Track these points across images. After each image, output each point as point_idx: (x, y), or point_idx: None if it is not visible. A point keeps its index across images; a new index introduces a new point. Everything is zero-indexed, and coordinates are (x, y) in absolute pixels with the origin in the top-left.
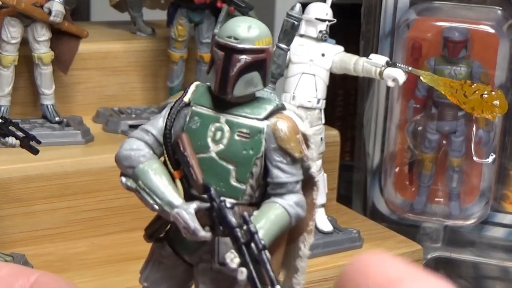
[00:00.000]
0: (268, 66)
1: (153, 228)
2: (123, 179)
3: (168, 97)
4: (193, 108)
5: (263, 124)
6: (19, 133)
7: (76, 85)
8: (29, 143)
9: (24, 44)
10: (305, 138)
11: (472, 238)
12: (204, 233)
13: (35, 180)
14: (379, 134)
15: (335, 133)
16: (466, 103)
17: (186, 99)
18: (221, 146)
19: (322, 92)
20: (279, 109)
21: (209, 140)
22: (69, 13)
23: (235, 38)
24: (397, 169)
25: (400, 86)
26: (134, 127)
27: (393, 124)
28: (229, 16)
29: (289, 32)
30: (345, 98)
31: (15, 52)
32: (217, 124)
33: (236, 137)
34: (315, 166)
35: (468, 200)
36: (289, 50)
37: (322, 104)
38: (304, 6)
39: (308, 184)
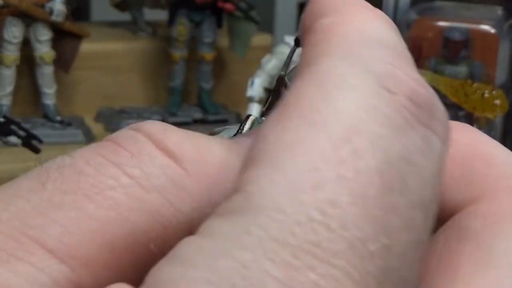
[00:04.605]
0: None
1: None
2: None
3: (169, 96)
4: None
5: None
6: (21, 132)
7: (77, 85)
8: (30, 142)
9: (26, 44)
10: None
11: None
12: None
13: None
14: None
15: None
16: (467, 103)
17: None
18: None
19: None
20: None
21: None
22: (69, 12)
23: None
24: None
25: None
26: None
27: None
28: (229, 15)
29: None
30: None
31: (16, 51)
32: None
33: None
34: None
35: None
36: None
37: None
38: (304, 5)
39: None
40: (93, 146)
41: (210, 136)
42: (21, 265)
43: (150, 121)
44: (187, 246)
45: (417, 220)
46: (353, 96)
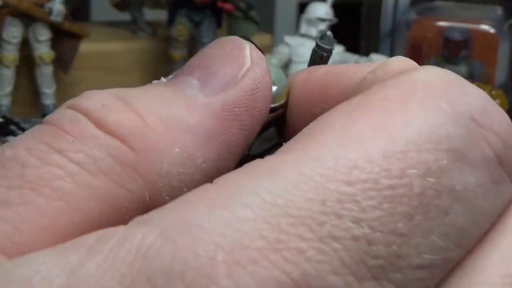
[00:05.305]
0: (285, 115)
1: None
2: None
3: None
4: None
5: None
6: (20, 133)
7: (76, 85)
8: None
9: (25, 44)
10: None
11: None
12: None
13: None
14: None
15: None
16: None
17: None
18: None
19: None
20: None
21: None
22: (69, 12)
23: None
24: None
25: None
26: None
27: None
28: (229, 16)
29: (318, 63)
30: None
31: (16, 51)
32: None
33: None
34: None
35: None
36: None
37: None
38: (304, 5)
39: None
40: (33, 131)
41: (151, 94)
42: None
43: (87, 95)
44: (194, 191)
45: (427, 251)
46: (436, 118)
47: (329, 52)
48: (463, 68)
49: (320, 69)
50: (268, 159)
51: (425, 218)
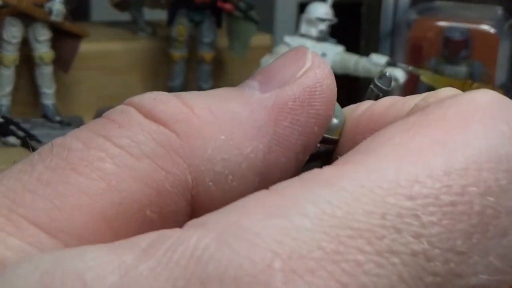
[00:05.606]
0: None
1: None
2: None
3: None
4: None
5: None
6: (20, 133)
7: (76, 85)
8: (29, 143)
9: (25, 44)
10: None
11: None
12: None
13: None
14: None
15: None
16: None
17: None
18: None
19: None
20: None
21: None
22: (69, 12)
23: None
24: None
25: (401, 86)
26: None
27: None
28: (229, 15)
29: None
30: (346, 98)
31: (16, 51)
32: None
33: None
34: None
35: None
36: None
37: None
38: (304, 6)
39: None
40: (87, 124)
41: (202, 92)
42: (11, 240)
43: (144, 93)
44: (250, 197)
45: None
46: (495, 138)
47: (386, 93)
48: (463, 68)
49: (367, 103)
50: (326, 169)
51: (484, 237)
